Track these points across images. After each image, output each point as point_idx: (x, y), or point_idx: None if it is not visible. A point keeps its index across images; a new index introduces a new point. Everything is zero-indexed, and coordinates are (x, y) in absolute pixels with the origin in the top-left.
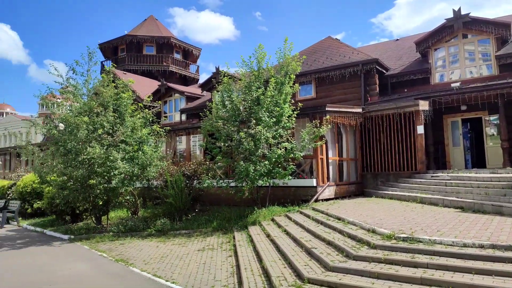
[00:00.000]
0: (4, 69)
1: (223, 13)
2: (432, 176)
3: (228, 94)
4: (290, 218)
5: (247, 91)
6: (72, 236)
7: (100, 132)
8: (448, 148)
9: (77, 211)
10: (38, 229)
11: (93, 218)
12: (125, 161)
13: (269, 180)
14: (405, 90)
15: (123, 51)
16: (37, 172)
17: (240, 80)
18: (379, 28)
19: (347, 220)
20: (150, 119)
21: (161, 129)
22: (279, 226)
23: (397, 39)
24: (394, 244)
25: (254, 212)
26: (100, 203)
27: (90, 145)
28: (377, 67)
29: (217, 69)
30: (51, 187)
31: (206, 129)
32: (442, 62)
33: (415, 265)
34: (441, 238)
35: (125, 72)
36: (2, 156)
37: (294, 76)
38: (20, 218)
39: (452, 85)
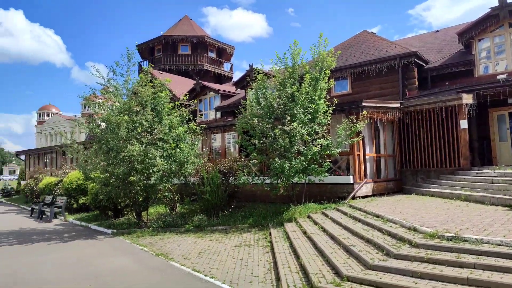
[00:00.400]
0: (49, 72)
1: (255, 10)
2: (477, 173)
3: (263, 91)
4: (326, 215)
5: (282, 87)
6: (115, 231)
7: (139, 131)
8: (494, 143)
9: (119, 207)
10: (83, 223)
11: (134, 214)
12: (163, 159)
13: (304, 177)
14: (447, 83)
15: (159, 51)
16: (81, 169)
17: (274, 77)
18: (417, 20)
19: (386, 217)
20: (187, 117)
21: (197, 127)
22: (316, 223)
23: (437, 31)
24: (438, 243)
25: (290, 209)
26: (140, 199)
27: (130, 143)
28: (416, 60)
29: (251, 66)
30: (94, 184)
31: (241, 127)
32: (486, 53)
33: (461, 265)
34: (488, 237)
35: (161, 72)
36: (49, 154)
37: (329, 72)
38: (66, 213)
39: (498, 77)
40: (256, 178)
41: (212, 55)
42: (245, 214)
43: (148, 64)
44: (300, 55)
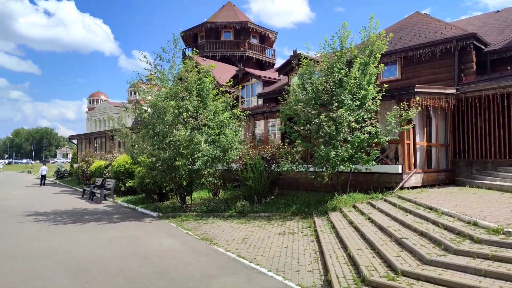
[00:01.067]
0: (98, 60)
1: None
2: None
3: (308, 76)
4: (373, 206)
5: (329, 72)
6: (160, 214)
7: (185, 116)
8: None
9: (164, 191)
10: (131, 205)
11: (178, 198)
12: (208, 144)
13: (350, 166)
14: (508, 67)
15: (202, 38)
16: (129, 153)
17: (318, 63)
18: (471, 1)
19: (441, 210)
20: (231, 103)
21: (241, 113)
22: (362, 213)
23: (498, 11)
24: (504, 240)
25: (334, 198)
26: (185, 184)
27: (176, 128)
28: (474, 42)
29: (295, 52)
30: (141, 168)
31: (284, 113)
32: None
33: None
34: None
35: (204, 59)
36: (99, 139)
37: (380, 56)
38: (115, 195)
39: None
40: (300, 165)
41: (254, 41)
42: (288, 201)
43: (193, 50)
44: (349, 39)
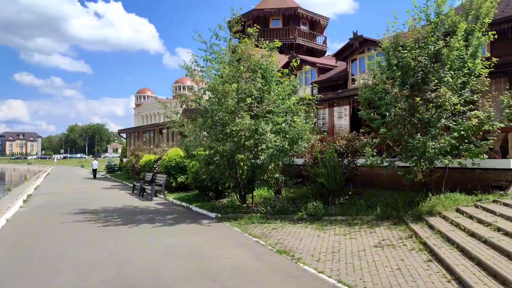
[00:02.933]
0: (144, 58)
1: None
2: None
3: (395, 49)
4: (489, 211)
5: (423, 45)
6: (219, 215)
7: (248, 101)
8: None
9: (220, 188)
10: (184, 204)
11: (238, 196)
12: (274, 134)
13: (454, 159)
14: None
15: (249, 27)
16: (182, 146)
17: (382, 47)
18: None
19: None
20: (297, 87)
21: (312, 97)
22: (480, 221)
23: None
24: None
25: (428, 199)
26: (245, 180)
27: (239, 115)
28: None
29: (355, 34)
30: (195, 162)
31: (364, 97)
32: None
33: None
34: None
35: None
36: (147, 133)
37: (488, 21)
38: (166, 192)
39: None
40: (383, 159)
41: (304, 28)
42: (367, 202)
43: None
44: (447, 2)
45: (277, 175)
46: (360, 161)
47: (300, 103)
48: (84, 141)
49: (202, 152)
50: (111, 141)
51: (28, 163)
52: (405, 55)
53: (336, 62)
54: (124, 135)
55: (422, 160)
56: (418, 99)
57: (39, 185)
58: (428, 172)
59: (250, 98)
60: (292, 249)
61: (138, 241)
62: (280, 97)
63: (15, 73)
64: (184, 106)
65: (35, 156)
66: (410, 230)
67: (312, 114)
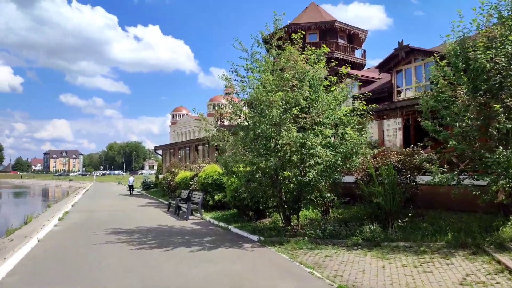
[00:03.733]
0: (180, 78)
1: (372, 2)
2: None
3: (462, 51)
4: None
5: (499, 45)
6: (262, 238)
7: (295, 111)
8: None
9: (261, 207)
10: (222, 224)
11: (282, 217)
12: (325, 149)
13: None
14: None
15: (286, 42)
16: (222, 161)
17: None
18: None
19: None
20: (349, 96)
21: (367, 106)
22: None
23: None
24: None
25: (510, 223)
26: (291, 199)
27: (285, 127)
28: None
29: (400, 43)
30: (233, 179)
31: (426, 106)
32: None
33: None
34: None
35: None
36: (183, 150)
37: None
38: (203, 210)
39: None
40: (452, 177)
41: (342, 41)
42: (433, 227)
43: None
44: None
45: (328, 194)
46: (421, 178)
47: (352, 114)
48: (122, 158)
49: (242, 169)
50: (147, 158)
51: (70, 180)
52: (478, 56)
53: (379, 74)
54: (160, 151)
55: (502, 178)
56: (497, 106)
57: (77, 202)
58: (510, 192)
59: (296, 108)
60: (356, 284)
61: (174, 269)
62: (331, 107)
63: (61, 95)
64: (219, 122)
65: (76, 173)
66: (496, 262)
67: (367, 126)
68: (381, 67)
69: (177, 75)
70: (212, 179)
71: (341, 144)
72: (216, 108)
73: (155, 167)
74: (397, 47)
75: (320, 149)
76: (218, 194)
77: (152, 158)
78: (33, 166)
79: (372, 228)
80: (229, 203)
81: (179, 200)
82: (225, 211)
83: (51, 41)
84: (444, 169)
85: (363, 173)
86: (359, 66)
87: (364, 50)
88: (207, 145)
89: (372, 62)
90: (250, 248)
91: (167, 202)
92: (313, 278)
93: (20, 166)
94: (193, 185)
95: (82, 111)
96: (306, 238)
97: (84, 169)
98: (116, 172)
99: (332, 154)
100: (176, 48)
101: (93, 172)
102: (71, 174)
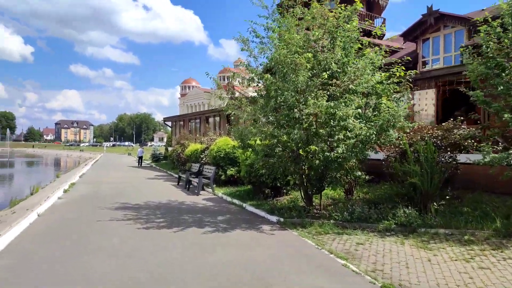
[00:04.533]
0: (189, 49)
1: None
2: None
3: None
4: None
5: None
6: (282, 219)
7: (325, 77)
8: None
9: (278, 184)
10: (236, 201)
11: (302, 196)
12: (358, 120)
13: None
14: None
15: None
16: (237, 133)
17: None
18: None
19: None
20: (382, 61)
21: (407, 73)
22: None
23: None
24: None
25: None
26: (314, 177)
27: (313, 95)
28: None
29: (429, 9)
30: (249, 153)
31: (475, 73)
32: None
33: None
34: None
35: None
36: (193, 121)
37: None
38: (214, 185)
39: None
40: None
41: (361, 9)
42: (477, 212)
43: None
44: None
45: (359, 173)
46: (462, 157)
47: (389, 82)
48: (132, 130)
49: (259, 142)
50: (157, 130)
51: (80, 150)
52: None
53: (403, 43)
54: (169, 123)
55: None
56: None
57: (85, 173)
58: None
59: (327, 73)
60: (404, 283)
61: (184, 255)
62: (366, 73)
63: (70, 65)
64: (231, 95)
65: (87, 144)
66: None
67: (406, 96)
68: (406, 35)
69: (186, 46)
70: (225, 152)
71: (375, 116)
72: (229, 78)
73: (165, 139)
74: (425, 12)
75: (352, 121)
76: (231, 169)
77: (162, 130)
78: (45, 136)
79: (407, 212)
80: (244, 179)
81: (190, 174)
82: (238, 187)
83: (61, 10)
84: (495, 148)
85: (394, 149)
86: (378, 36)
87: (384, 19)
88: (218, 117)
89: (388, 34)
90: (269, 231)
91: (176, 176)
92: (348, 273)
93: (32, 136)
94: (204, 159)
95: (92, 81)
96: (332, 221)
97: (94, 139)
98: (126, 143)
99: (367, 127)
100: (186, 19)
101: (103, 143)
102: (81, 145)
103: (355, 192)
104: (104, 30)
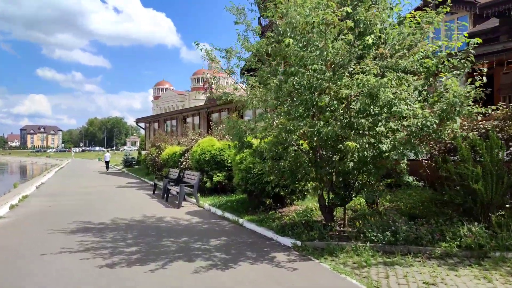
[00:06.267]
0: (162, 52)
1: None
2: None
3: None
4: None
5: None
6: (298, 242)
7: (370, 42)
8: None
9: (281, 192)
10: (229, 215)
11: (321, 209)
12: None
13: None
14: None
15: None
16: (234, 131)
17: None
18: None
19: None
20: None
21: (471, 41)
22: None
23: None
24: None
25: None
26: (340, 184)
27: (353, 70)
28: None
29: None
30: (243, 155)
31: None
32: None
33: None
34: None
35: None
36: (169, 122)
37: None
38: (198, 194)
39: None
40: None
41: None
42: None
43: None
44: None
45: (410, 179)
46: None
47: (462, 58)
48: (103, 134)
49: (266, 140)
50: (129, 135)
51: (47, 156)
52: None
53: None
54: (142, 125)
55: None
56: None
57: (44, 182)
58: None
59: (371, 37)
60: None
61: None
62: (406, 44)
63: (37, 68)
64: (213, 87)
65: (54, 149)
66: None
67: (462, 74)
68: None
69: (159, 49)
70: (210, 155)
71: (435, 98)
72: (204, 74)
73: (138, 143)
74: None
75: (410, 106)
76: (218, 174)
77: (135, 134)
78: (9, 142)
79: (473, 230)
80: (237, 187)
81: (168, 181)
82: (227, 196)
83: (27, 13)
84: None
85: (438, 145)
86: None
87: None
88: (198, 116)
89: None
90: (287, 263)
91: (152, 183)
92: None
93: None
94: (184, 163)
95: (61, 85)
96: (368, 244)
97: (63, 145)
98: (97, 148)
99: (430, 115)
100: (157, 21)
101: (72, 148)
102: (48, 151)
103: (379, 202)
104: (73, 33)
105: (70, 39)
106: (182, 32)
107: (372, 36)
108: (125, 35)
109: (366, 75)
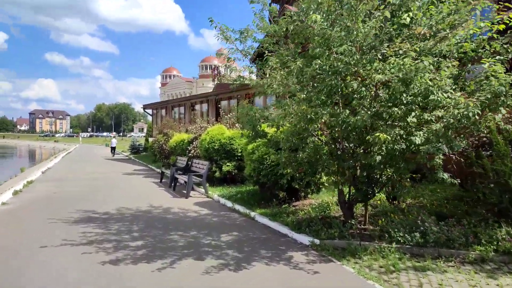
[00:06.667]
0: (170, 38)
1: None
2: None
3: None
4: None
5: None
6: (317, 241)
7: (407, 20)
8: None
9: (296, 185)
10: (239, 208)
11: (342, 204)
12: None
13: None
14: None
15: None
16: (247, 118)
17: None
18: None
19: None
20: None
21: None
22: None
23: None
24: None
25: None
26: (364, 179)
27: (381, 52)
28: None
29: None
30: (256, 144)
31: None
32: None
33: None
34: None
35: None
36: (177, 108)
37: None
38: (207, 184)
39: None
40: None
41: None
42: None
43: None
44: None
45: (445, 175)
46: None
47: (504, 42)
48: (110, 120)
49: (282, 129)
50: (137, 121)
51: (55, 141)
52: None
53: None
54: (149, 111)
55: None
56: None
57: (51, 167)
58: None
59: (408, 15)
60: None
61: None
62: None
63: (46, 53)
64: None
65: (62, 134)
66: None
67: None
68: None
69: (167, 36)
70: (220, 143)
71: (474, 89)
72: (208, 70)
73: (145, 130)
74: None
75: (451, 94)
76: (228, 164)
77: (142, 121)
78: (18, 126)
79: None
80: (249, 178)
81: (176, 170)
82: (237, 187)
83: None
84: None
85: (470, 138)
86: None
87: None
88: (206, 103)
89: None
90: (307, 264)
91: (159, 171)
92: None
93: (5, 126)
94: (192, 151)
95: (70, 70)
96: (394, 245)
97: (71, 130)
98: (105, 134)
99: (475, 104)
100: (166, 8)
101: (80, 134)
102: (57, 135)
103: (401, 199)
104: (81, 18)
105: (79, 24)
106: (190, 19)
107: (410, 13)
108: (133, 21)
109: (403, 58)
